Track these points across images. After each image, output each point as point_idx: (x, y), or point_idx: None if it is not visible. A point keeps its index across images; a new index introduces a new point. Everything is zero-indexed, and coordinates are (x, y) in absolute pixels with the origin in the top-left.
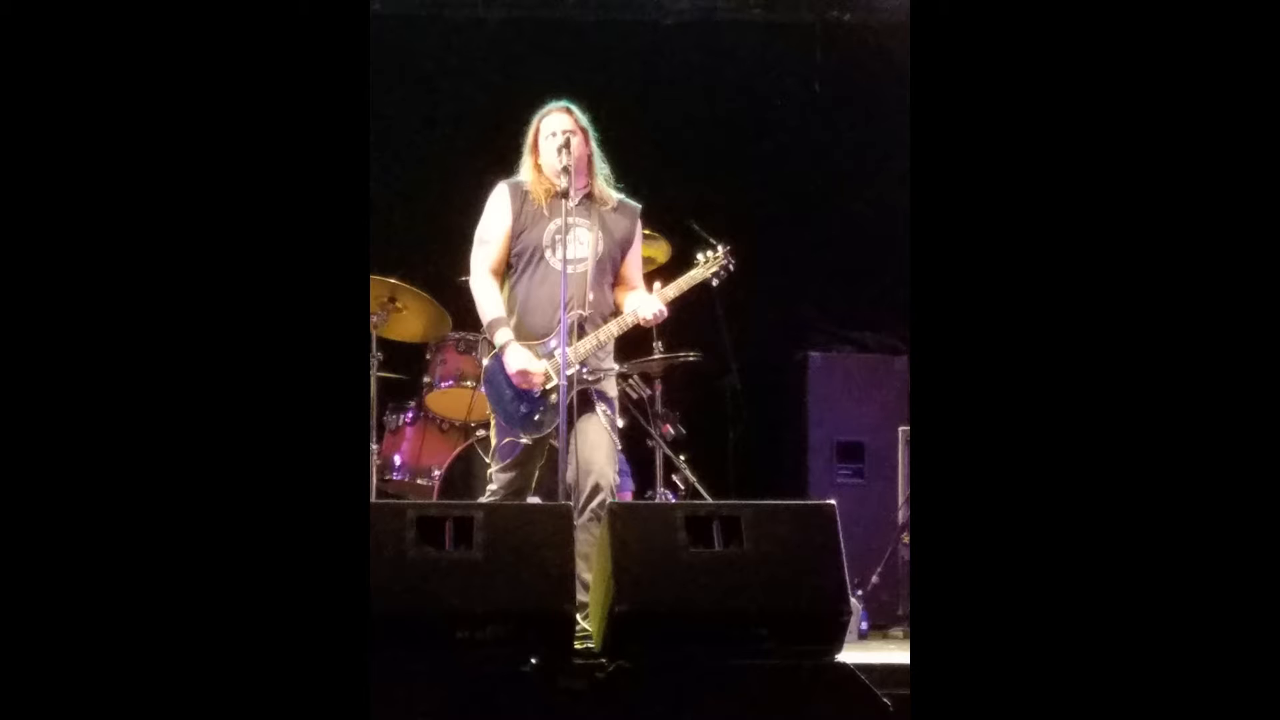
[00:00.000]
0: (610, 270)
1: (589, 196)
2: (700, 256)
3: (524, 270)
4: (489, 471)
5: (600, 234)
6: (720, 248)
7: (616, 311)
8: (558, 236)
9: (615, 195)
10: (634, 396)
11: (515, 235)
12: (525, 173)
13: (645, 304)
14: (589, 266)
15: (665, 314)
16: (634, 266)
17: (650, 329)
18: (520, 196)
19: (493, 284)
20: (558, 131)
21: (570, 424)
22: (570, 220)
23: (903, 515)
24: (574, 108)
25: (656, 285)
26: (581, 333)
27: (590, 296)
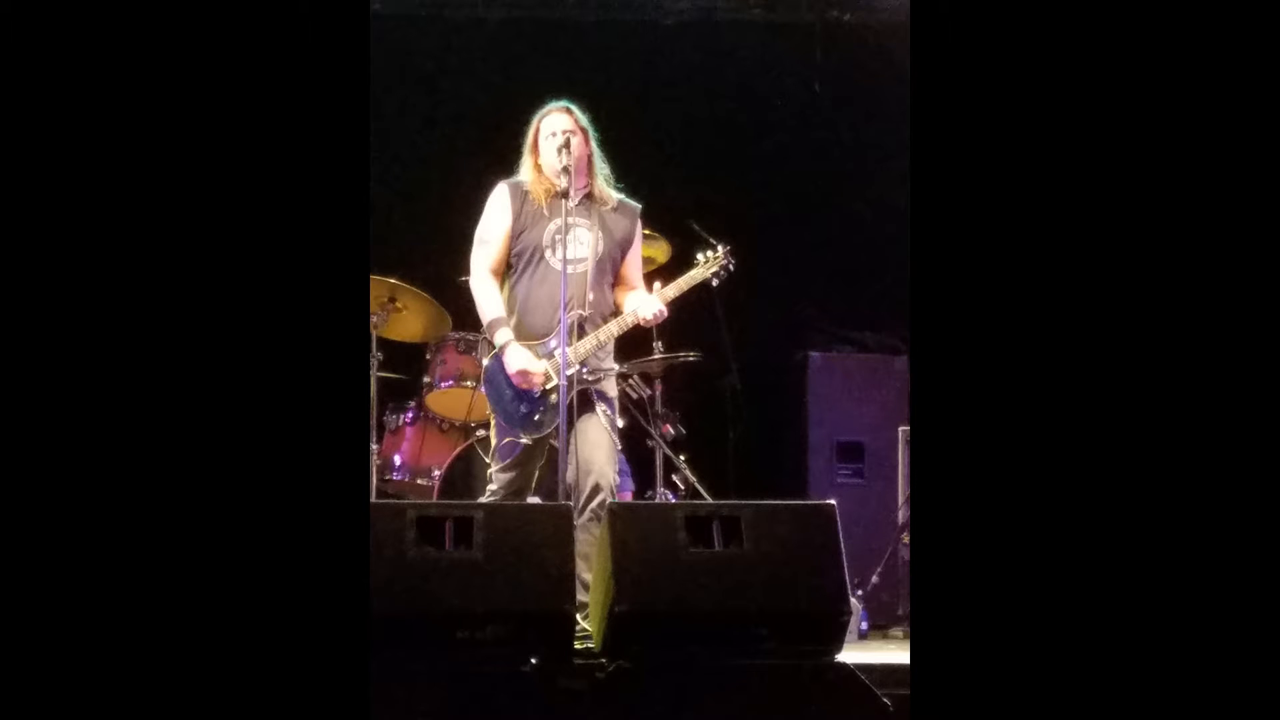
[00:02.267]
0: (610, 270)
1: (589, 196)
2: (700, 256)
3: (524, 270)
4: (489, 471)
5: (600, 234)
6: (720, 248)
7: (616, 311)
8: (558, 236)
9: (615, 195)
10: (634, 396)
11: (515, 235)
12: (525, 173)
13: (645, 304)
14: (589, 266)
15: (665, 314)
16: (634, 266)
17: (650, 329)
18: (520, 196)
19: (493, 284)
20: (558, 131)
21: (570, 424)
22: (570, 220)
23: (903, 515)
24: (574, 108)
25: (656, 285)
26: (581, 333)
27: (590, 296)
